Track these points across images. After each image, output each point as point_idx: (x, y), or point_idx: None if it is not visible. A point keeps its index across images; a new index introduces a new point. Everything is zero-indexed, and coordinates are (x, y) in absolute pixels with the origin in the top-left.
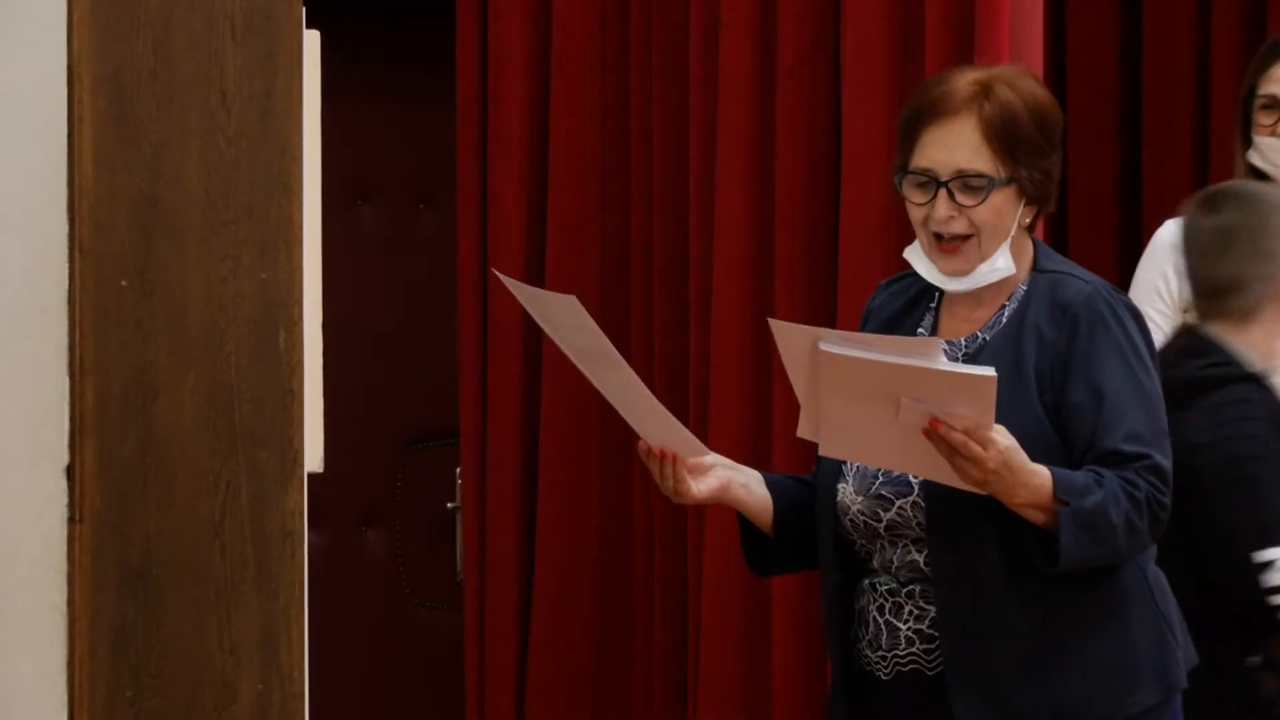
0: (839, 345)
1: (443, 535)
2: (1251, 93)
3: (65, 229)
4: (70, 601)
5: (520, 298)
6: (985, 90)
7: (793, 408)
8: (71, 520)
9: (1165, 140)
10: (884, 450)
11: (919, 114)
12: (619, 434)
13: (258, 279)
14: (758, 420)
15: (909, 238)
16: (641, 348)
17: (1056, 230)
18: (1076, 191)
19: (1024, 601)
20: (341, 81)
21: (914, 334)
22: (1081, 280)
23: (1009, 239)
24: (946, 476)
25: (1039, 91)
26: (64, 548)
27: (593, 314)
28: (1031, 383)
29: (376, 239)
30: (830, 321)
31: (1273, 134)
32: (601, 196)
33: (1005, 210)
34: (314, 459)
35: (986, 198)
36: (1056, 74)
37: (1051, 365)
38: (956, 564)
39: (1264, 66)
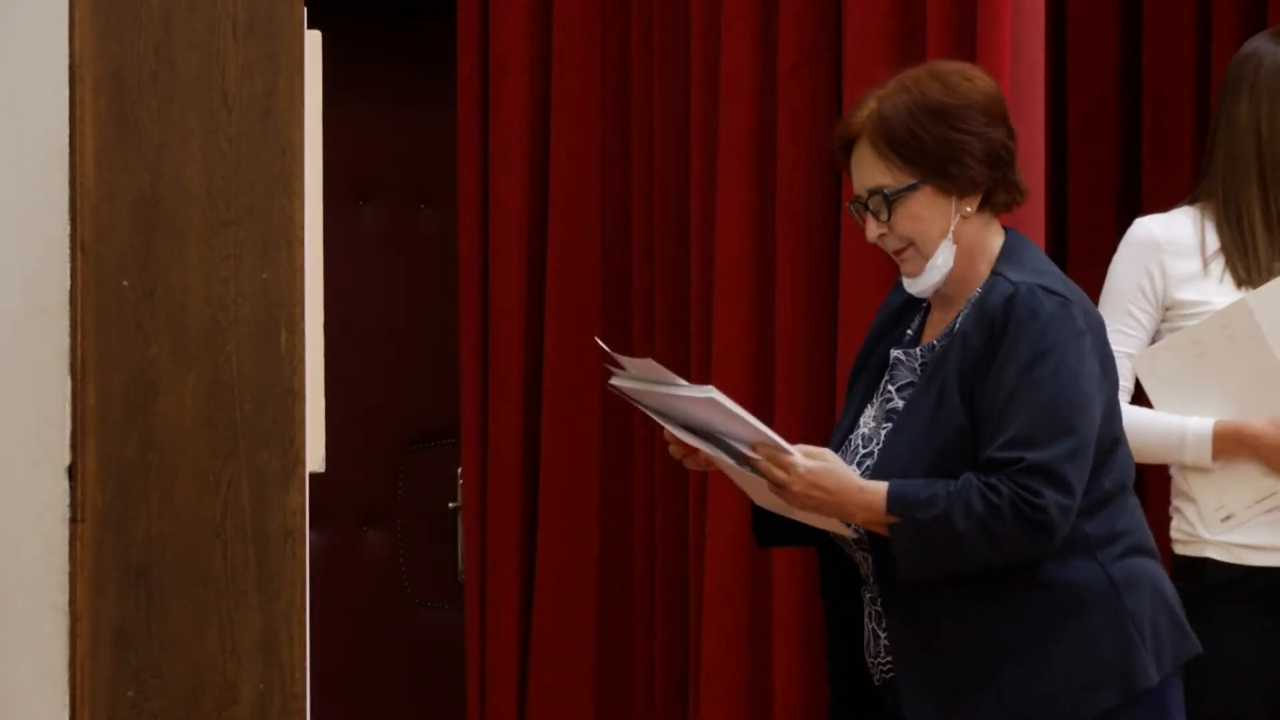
0: (623, 380)
1: (444, 535)
2: None
3: (66, 229)
4: (71, 601)
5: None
6: (875, 107)
7: (795, 409)
8: (73, 520)
9: (1166, 139)
10: (752, 488)
11: (839, 149)
12: (620, 434)
13: (259, 279)
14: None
15: None
16: (642, 348)
17: (1056, 230)
18: (1077, 190)
19: (972, 606)
20: (343, 82)
21: (903, 335)
22: (1009, 282)
23: (948, 236)
24: (784, 507)
25: (938, 86)
26: (65, 547)
27: (594, 315)
28: (955, 392)
29: (378, 239)
30: (832, 321)
31: None
32: (602, 197)
33: (925, 213)
34: (315, 459)
35: (895, 208)
36: (1057, 73)
37: (972, 373)
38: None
39: None
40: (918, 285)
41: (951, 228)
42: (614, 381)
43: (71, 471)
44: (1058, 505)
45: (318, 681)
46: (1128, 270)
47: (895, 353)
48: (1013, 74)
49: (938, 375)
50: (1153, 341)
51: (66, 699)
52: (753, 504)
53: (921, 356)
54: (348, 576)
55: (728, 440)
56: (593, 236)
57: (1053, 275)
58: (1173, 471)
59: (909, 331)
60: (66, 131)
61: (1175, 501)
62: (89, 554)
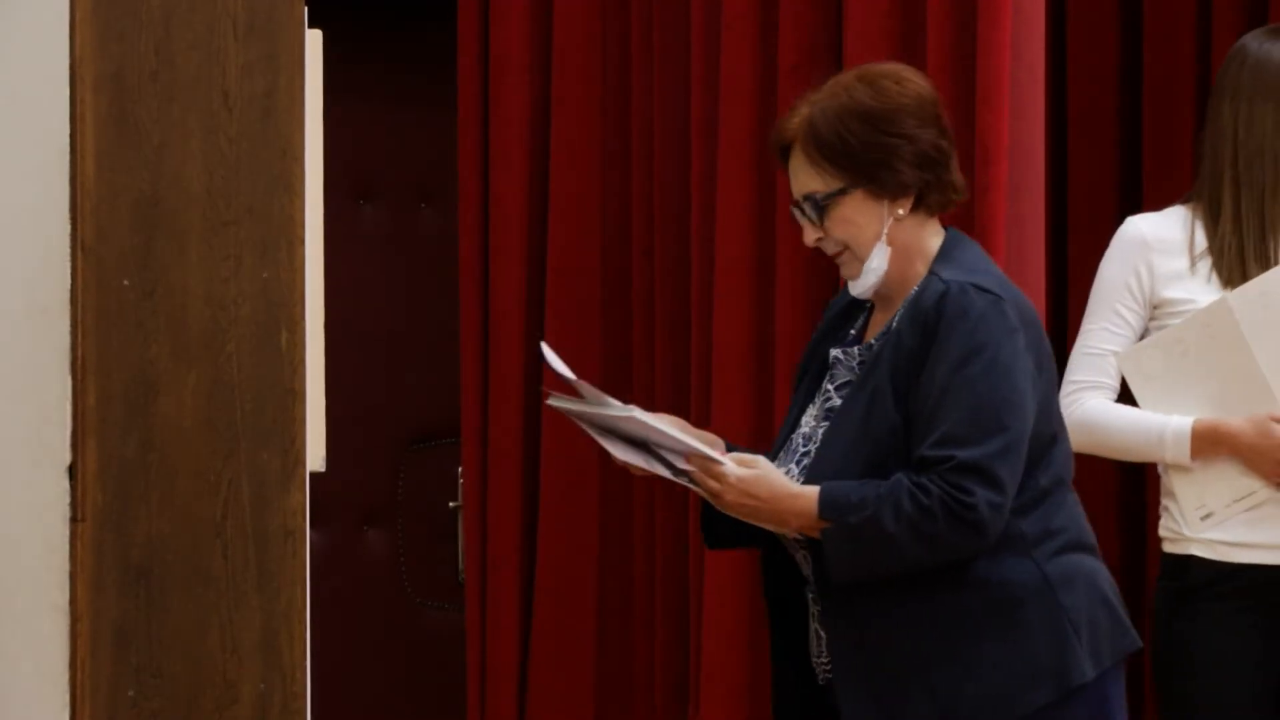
0: (559, 400)
1: (444, 535)
2: None
3: (67, 229)
4: (72, 601)
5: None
6: (807, 113)
7: None
8: (73, 519)
9: (1166, 140)
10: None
11: (777, 155)
12: None
13: (259, 279)
14: (759, 421)
15: None
16: (643, 348)
17: (1056, 230)
18: (1077, 190)
19: (907, 605)
20: (343, 81)
21: (846, 335)
22: (942, 281)
23: (882, 239)
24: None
25: (867, 91)
26: (66, 547)
27: (594, 315)
28: (888, 391)
29: (378, 239)
30: None
31: None
32: (602, 197)
33: (857, 217)
34: (315, 458)
35: (826, 212)
36: (1057, 73)
37: (906, 372)
38: None
39: None
40: (857, 288)
41: (885, 230)
42: (551, 402)
43: (72, 471)
44: (989, 503)
45: (318, 681)
46: (1115, 269)
47: (834, 352)
48: (1013, 74)
49: (872, 374)
50: (1142, 340)
51: (67, 698)
52: (701, 507)
53: (859, 356)
54: (348, 576)
55: (663, 454)
56: (593, 236)
57: (988, 273)
58: (1160, 470)
59: (852, 331)
60: (67, 131)
61: (1163, 500)
62: (89, 553)
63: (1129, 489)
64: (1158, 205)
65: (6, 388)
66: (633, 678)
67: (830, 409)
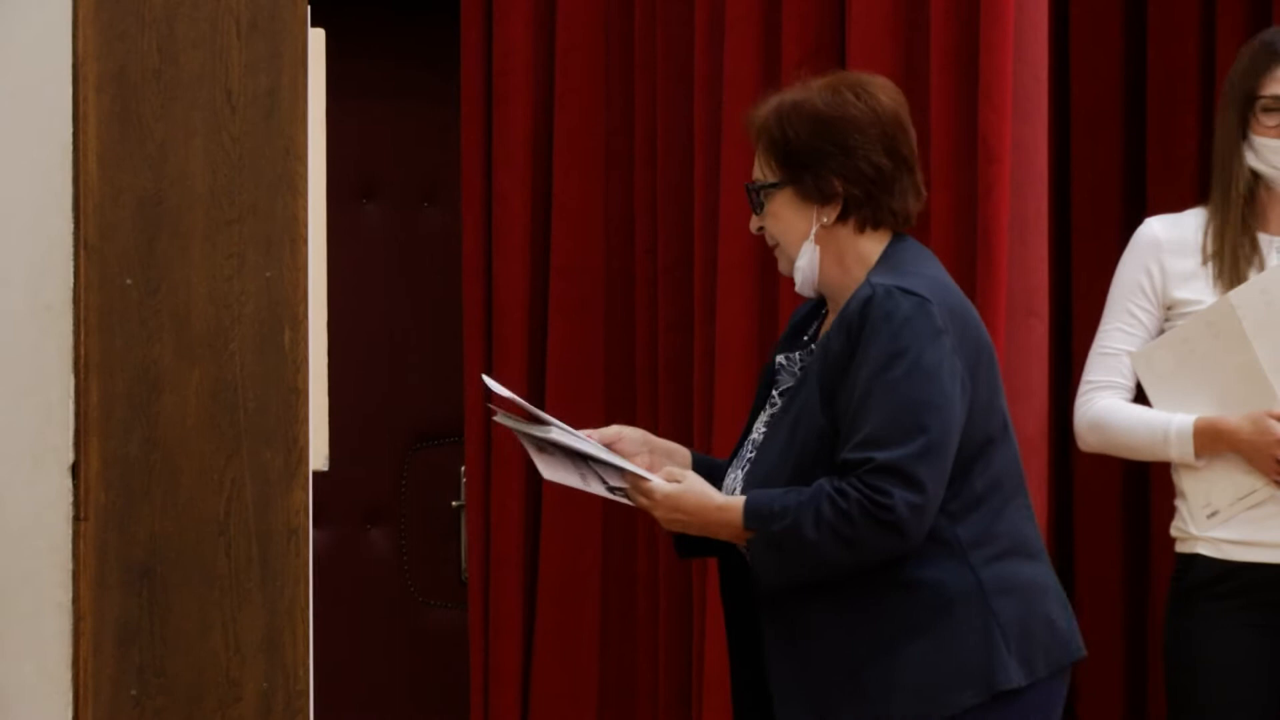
0: (504, 418)
1: (447, 533)
2: (1250, 95)
3: (70, 227)
4: (75, 599)
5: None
6: (773, 104)
7: None
8: (76, 518)
9: (1170, 138)
10: None
11: (752, 141)
12: (623, 410)
13: (262, 277)
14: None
15: None
16: (645, 347)
17: (1060, 229)
18: (1080, 190)
19: (839, 610)
20: (346, 79)
21: (801, 341)
22: (869, 286)
23: (809, 239)
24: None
25: (826, 96)
26: (69, 546)
27: (598, 314)
28: (816, 398)
29: (381, 237)
30: None
31: (1277, 135)
32: (606, 195)
33: (784, 213)
34: (319, 457)
35: (763, 203)
36: (1060, 73)
37: (832, 376)
38: None
39: (1264, 69)
40: (797, 284)
41: (812, 233)
42: (497, 419)
43: (75, 470)
44: (907, 504)
45: (321, 679)
46: (1129, 269)
47: (779, 358)
48: (1016, 72)
49: (805, 380)
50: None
51: (70, 697)
52: None
53: (801, 361)
54: (351, 575)
55: (599, 471)
56: (596, 235)
57: (920, 276)
58: (1171, 470)
59: (805, 337)
60: (70, 130)
61: (1176, 500)
62: (92, 552)
63: (1133, 490)
64: (1162, 204)
65: (9, 386)
66: (636, 676)
67: (773, 415)
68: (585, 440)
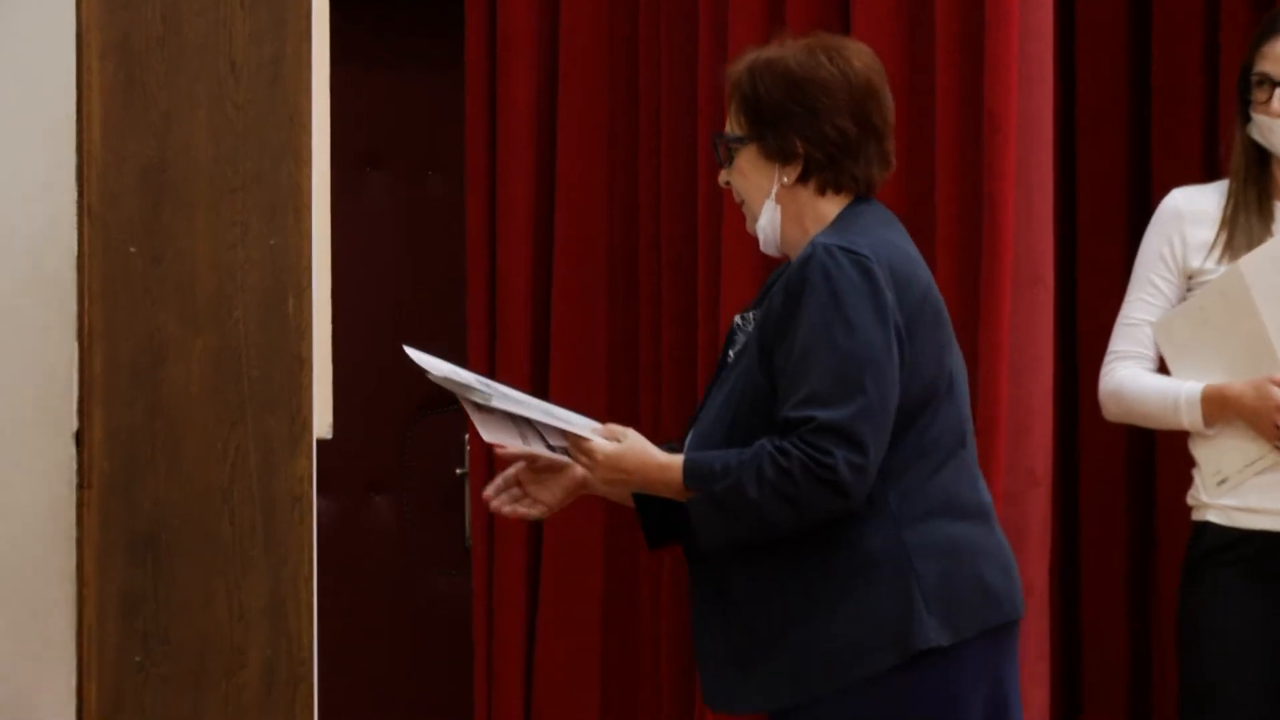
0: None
1: (451, 502)
2: (1247, 70)
3: (74, 196)
4: (79, 567)
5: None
6: (745, 62)
7: None
8: (80, 486)
9: (1176, 109)
10: None
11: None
12: (626, 395)
13: (266, 245)
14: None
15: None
16: (649, 332)
17: (1065, 200)
18: (1085, 161)
19: (764, 570)
20: (350, 48)
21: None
22: (811, 245)
23: (769, 198)
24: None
25: (799, 56)
26: (73, 514)
27: (601, 301)
28: (755, 356)
29: (385, 206)
30: None
31: (1267, 111)
32: (609, 180)
33: (748, 170)
34: (322, 425)
35: (731, 158)
36: (1065, 43)
37: (772, 334)
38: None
39: (1258, 43)
40: (760, 243)
41: (773, 190)
42: (432, 378)
43: (79, 438)
44: (848, 463)
45: (325, 647)
46: (1152, 240)
47: (736, 318)
48: (1021, 45)
49: (750, 340)
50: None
51: (74, 665)
52: (637, 509)
53: (753, 321)
54: (355, 543)
55: (542, 433)
56: (599, 222)
57: (866, 234)
58: (1188, 439)
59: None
60: (74, 98)
61: (1194, 469)
62: (96, 521)
63: (1138, 458)
64: (1167, 174)
65: (13, 355)
66: (639, 643)
67: (721, 375)
68: (528, 402)
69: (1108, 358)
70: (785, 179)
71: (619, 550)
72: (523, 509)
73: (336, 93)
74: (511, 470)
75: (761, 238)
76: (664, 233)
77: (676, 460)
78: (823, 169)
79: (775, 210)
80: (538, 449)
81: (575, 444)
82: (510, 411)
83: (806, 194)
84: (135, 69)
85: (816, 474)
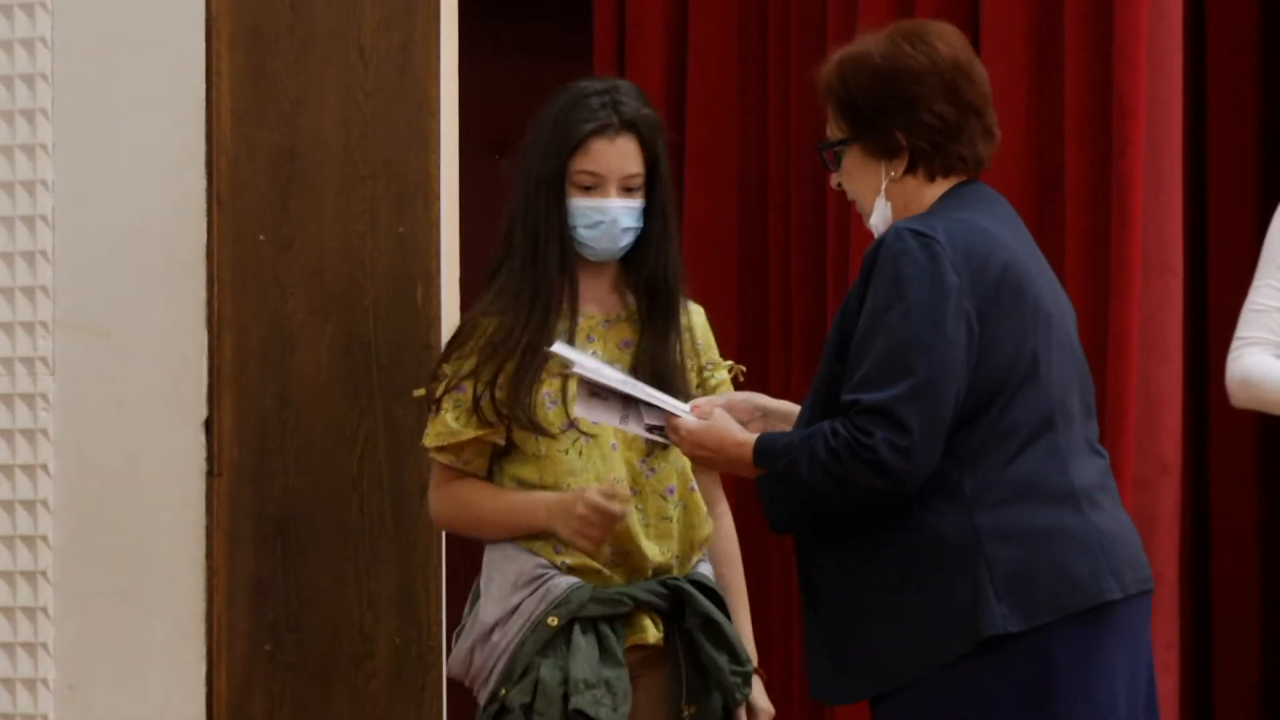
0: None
1: None
2: None
3: (203, 183)
4: (209, 554)
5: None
6: (831, 64)
7: None
8: (210, 474)
9: None
10: None
11: (821, 99)
12: (757, 359)
13: (395, 233)
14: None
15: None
16: (779, 303)
17: (1195, 186)
18: (1215, 147)
19: (838, 563)
20: (478, 35)
21: None
22: (889, 228)
23: (879, 194)
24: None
25: (884, 48)
26: (203, 501)
27: (731, 272)
28: (833, 342)
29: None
30: None
31: None
32: (739, 153)
33: (855, 170)
34: None
35: (839, 161)
36: (1196, 28)
37: (847, 322)
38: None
39: None
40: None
41: (883, 188)
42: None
43: (209, 425)
44: (889, 444)
45: (454, 636)
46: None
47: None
48: (1150, 29)
49: (833, 324)
50: None
51: (204, 652)
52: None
53: None
54: None
55: (642, 412)
56: (729, 192)
57: (945, 219)
58: None
59: None
60: (203, 86)
61: None
62: (226, 508)
63: (1269, 443)
64: None
65: (144, 342)
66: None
67: None
68: (632, 382)
69: (1235, 344)
70: (893, 173)
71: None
72: None
73: (465, 80)
74: None
75: (877, 234)
76: (794, 220)
77: (750, 439)
78: (929, 157)
79: (886, 206)
80: (634, 429)
81: (668, 421)
82: (621, 394)
83: (915, 183)
84: (265, 57)
85: (859, 454)
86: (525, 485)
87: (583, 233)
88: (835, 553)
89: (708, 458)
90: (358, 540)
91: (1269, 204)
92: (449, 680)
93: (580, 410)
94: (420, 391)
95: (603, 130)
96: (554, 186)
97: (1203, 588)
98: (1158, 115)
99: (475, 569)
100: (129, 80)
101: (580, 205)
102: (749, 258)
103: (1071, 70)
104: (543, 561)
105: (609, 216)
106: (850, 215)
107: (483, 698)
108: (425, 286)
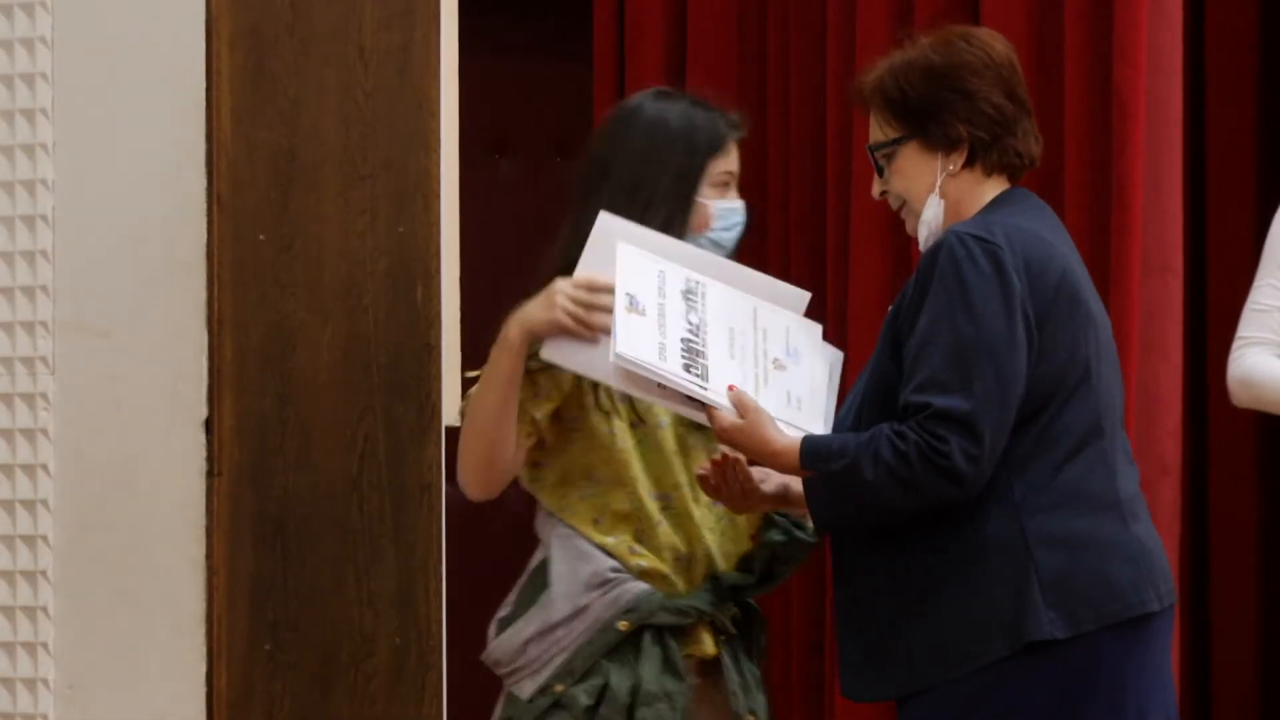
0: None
1: None
2: None
3: (203, 183)
4: (209, 554)
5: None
6: (881, 68)
7: None
8: (210, 474)
9: None
10: None
11: (860, 109)
12: None
13: (395, 233)
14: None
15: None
16: None
17: (1195, 186)
18: (1215, 146)
19: (889, 556)
20: (478, 34)
21: None
22: (946, 234)
23: (935, 191)
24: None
25: (935, 47)
26: (203, 501)
27: None
28: (887, 343)
29: (514, 192)
30: None
31: None
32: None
33: (910, 169)
34: (451, 412)
35: (890, 162)
36: (1195, 27)
37: (902, 324)
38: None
39: None
40: (921, 240)
41: (938, 183)
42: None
43: (208, 425)
44: (963, 452)
45: (454, 636)
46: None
47: (891, 306)
48: (1150, 28)
49: (883, 329)
50: None
51: (204, 652)
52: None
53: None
54: (483, 531)
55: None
56: None
57: (1003, 224)
58: None
59: None
60: (203, 86)
61: None
62: (226, 507)
63: (1268, 444)
64: None
65: (144, 342)
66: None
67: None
68: (652, 369)
69: (1236, 343)
70: (951, 167)
71: None
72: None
73: (465, 79)
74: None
75: (924, 234)
76: (793, 220)
77: (793, 445)
78: (988, 149)
79: (939, 204)
80: (694, 415)
81: (710, 415)
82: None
83: (971, 179)
84: (264, 56)
85: (932, 460)
86: (591, 481)
87: (720, 234)
88: (878, 551)
89: (760, 458)
90: (358, 540)
91: (1269, 204)
92: (449, 680)
93: (618, 384)
94: (474, 373)
95: (734, 130)
96: (688, 187)
97: (1202, 588)
98: (1158, 115)
99: (475, 569)
100: (129, 80)
101: (722, 206)
102: (749, 258)
103: (1071, 70)
104: (615, 564)
105: (741, 216)
106: (850, 215)
107: (525, 687)
108: (425, 286)
